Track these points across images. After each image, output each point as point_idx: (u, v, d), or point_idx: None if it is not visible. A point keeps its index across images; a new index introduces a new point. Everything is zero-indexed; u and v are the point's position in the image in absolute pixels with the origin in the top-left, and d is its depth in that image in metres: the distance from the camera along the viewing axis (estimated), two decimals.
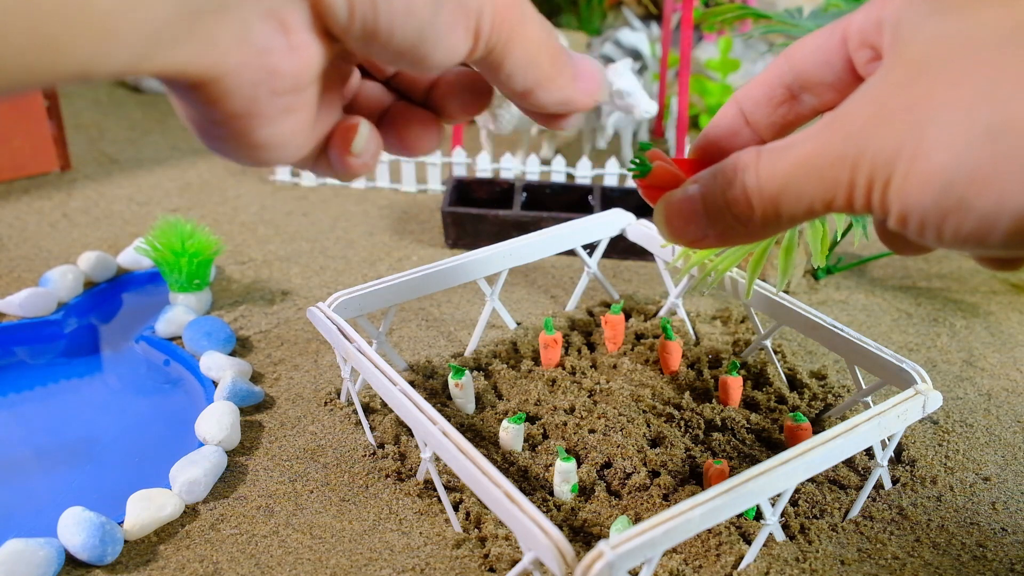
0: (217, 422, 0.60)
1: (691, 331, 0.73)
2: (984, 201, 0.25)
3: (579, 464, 0.59)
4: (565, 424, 0.62)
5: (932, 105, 0.26)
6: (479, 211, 0.85)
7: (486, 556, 0.53)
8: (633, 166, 0.36)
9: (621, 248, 0.85)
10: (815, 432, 0.61)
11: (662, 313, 0.75)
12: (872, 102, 0.28)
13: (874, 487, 0.58)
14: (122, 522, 0.54)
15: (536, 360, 0.70)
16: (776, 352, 0.70)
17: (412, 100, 0.35)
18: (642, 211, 0.88)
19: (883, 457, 0.56)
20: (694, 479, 0.58)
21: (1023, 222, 0.25)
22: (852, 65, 0.33)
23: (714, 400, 0.65)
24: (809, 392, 0.66)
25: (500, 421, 0.63)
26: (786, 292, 0.78)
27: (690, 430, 0.62)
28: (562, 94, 0.32)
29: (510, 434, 0.60)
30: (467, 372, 0.63)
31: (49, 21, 0.22)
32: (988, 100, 0.25)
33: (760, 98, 0.36)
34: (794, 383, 0.68)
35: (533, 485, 0.58)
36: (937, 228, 0.26)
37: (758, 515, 0.55)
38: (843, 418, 0.63)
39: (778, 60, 0.36)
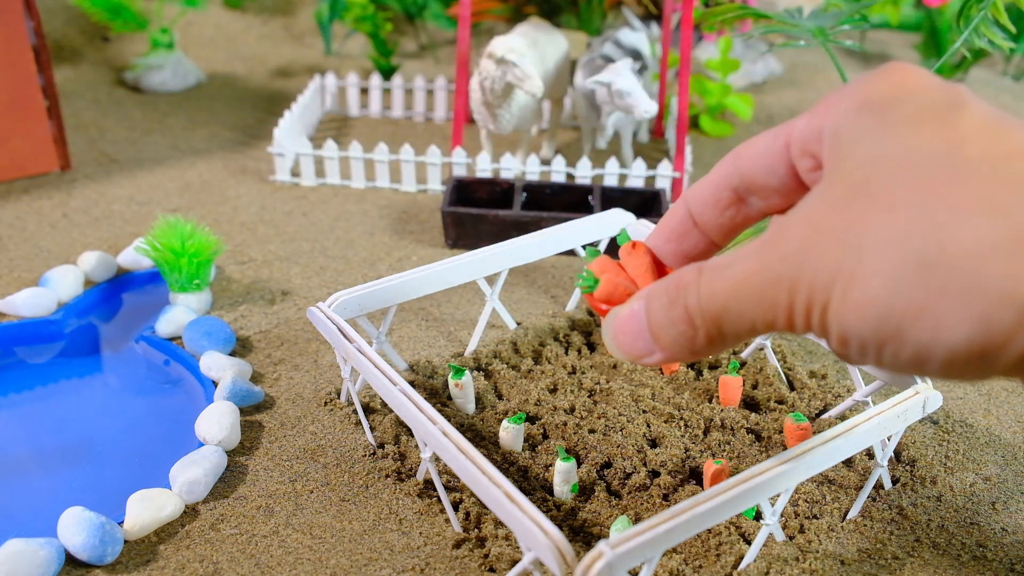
0: (217, 422, 0.60)
1: None
2: (920, 333, 0.25)
3: (579, 464, 0.59)
4: (565, 424, 0.62)
5: (867, 229, 0.26)
6: (479, 211, 0.85)
7: (486, 556, 0.53)
8: (581, 280, 0.36)
9: None
10: (815, 432, 0.61)
11: None
12: (808, 223, 0.27)
13: (874, 487, 0.58)
14: (122, 522, 0.54)
15: (536, 360, 0.70)
16: (776, 352, 0.70)
17: None
18: (642, 211, 0.88)
19: (883, 457, 0.56)
20: (694, 479, 0.58)
21: (960, 356, 0.25)
22: (795, 172, 0.33)
23: (714, 400, 0.65)
24: (809, 392, 0.66)
25: (500, 421, 0.63)
26: None
27: (690, 430, 0.62)
28: None
29: (510, 434, 0.60)
30: (467, 372, 0.63)
31: None
32: (921, 226, 0.24)
33: (708, 200, 0.36)
34: (794, 383, 0.68)
35: (533, 485, 0.58)
36: (877, 353, 0.27)
37: (758, 515, 0.55)
38: (843, 418, 0.63)
39: (726, 161, 0.35)
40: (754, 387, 0.67)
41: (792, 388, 0.68)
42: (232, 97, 1.27)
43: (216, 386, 0.66)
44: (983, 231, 0.23)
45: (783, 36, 1.26)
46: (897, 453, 0.62)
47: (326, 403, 0.65)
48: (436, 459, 0.57)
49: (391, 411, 0.63)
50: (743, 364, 0.69)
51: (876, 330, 0.26)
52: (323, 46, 1.47)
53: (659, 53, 1.15)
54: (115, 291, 0.81)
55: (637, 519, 0.55)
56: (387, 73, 1.29)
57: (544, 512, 0.55)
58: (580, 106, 1.00)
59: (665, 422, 0.63)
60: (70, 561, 0.52)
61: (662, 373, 0.68)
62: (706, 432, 0.62)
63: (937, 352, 0.25)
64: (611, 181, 0.96)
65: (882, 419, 0.51)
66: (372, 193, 0.99)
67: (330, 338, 0.59)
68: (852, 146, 0.27)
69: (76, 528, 0.52)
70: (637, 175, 0.95)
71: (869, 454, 0.60)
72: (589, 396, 0.66)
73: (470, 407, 0.64)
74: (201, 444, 0.60)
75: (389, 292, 0.63)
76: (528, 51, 0.89)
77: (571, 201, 0.90)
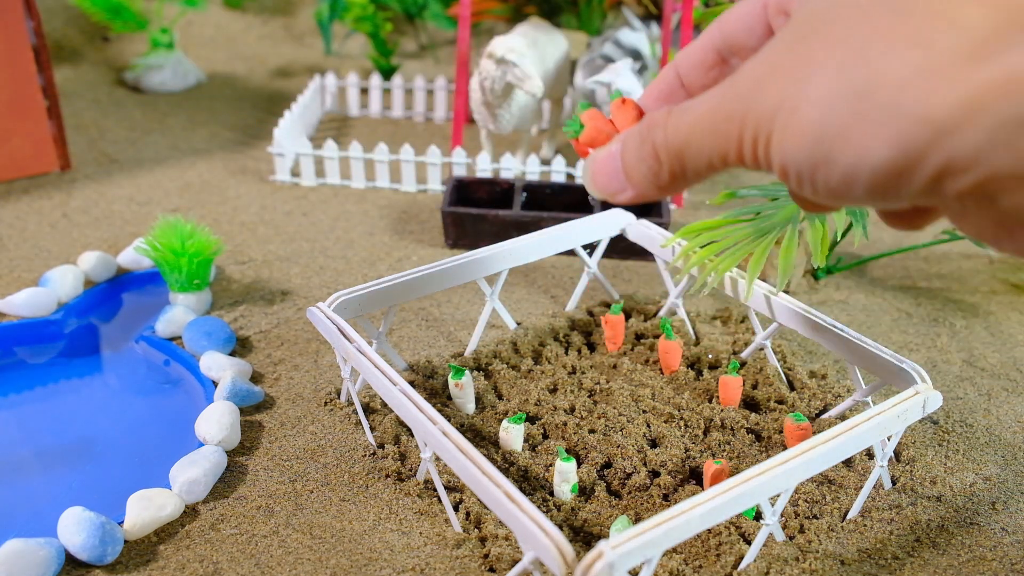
0: (217, 422, 0.60)
1: (691, 331, 0.73)
2: (846, 156, 0.27)
3: (579, 464, 0.59)
4: (565, 424, 0.62)
5: (812, 64, 0.28)
6: (479, 211, 0.85)
7: (486, 556, 0.53)
8: (568, 125, 0.39)
9: (621, 248, 0.85)
10: (815, 432, 0.61)
11: (662, 313, 0.75)
12: (764, 62, 0.30)
13: (874, 487, 0.58)
14: (122, 522, 0.54)
15: (536, 360, 0.70)
16: (776, 352, 0.70)
17: None
18: (642, 211, 0.88)
19: (883, 457, 0.56)
20: (694, 479, 0.58)
21: (881, 176, 0.27)
22: (771, 31, 0.35)
23: (714, 400, 0.65)
24: (809, 392, 0.66)
25: (500, 421, 0.63)
26: (786, 292, 0.78)
27: (690, 430, 0.62)
28: None
29: (510, 434, 0.60)
30: (467, 372, 0.63)
31: None
32: (858, 61, 0.27)
33: (695, 62, 0.38)
34: (794, 383, 0.68)
35: (533, 485, 0.58)
36: (811, 181, 0.29)
37: (758, 515, 0.55)
38: (843, 418, 0.63)
39: (712, 26, 0.38)
40: (754, 387, 0.67)
41: (792, 388, 0.68)
42: (232, 97, 1.27)
43: (216, 386, 0.66)
44: (907, 61, 0.26)
45: None
46: (897, 453, 0.62)
47: (326, 403, 0.65)
48: (436, 459, 0.57)
49: (391, 411, 0.63)
50: (743, 364, 0.69)
51: (810, 155, 0.28)
52: (323, 46, 1.47)
53: (659, 53, 1.15)
54: (115, 291, 0.81)
55: (637, 519, 0.55)
56: (387, 73, 1.29)
57: (544, 512, 0.55)
58: None
59: (665, 422, 0.63)
60: (70, 561, 0.52)
61: (662, 373, 0.68)
62: (706, 432, 0.62)
63: (862, 173, 0.27)
64: None
65: (882, 419, 0.51)
66: (372, 193, 0.99)
67: (330, 338, 0.59)
68: None
69: (76, 528, 0.52)
70: None
71: (869, 454, 0.60)
72: (589, 396, 0.66)
73: (470, 407, 0.64)
74: (201, 444, 0.60)
75: (389, 292, 0.63)
76: (528, 51, 0.89)
77: (571, 201, 0.90)
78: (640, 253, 0.85)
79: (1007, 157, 0.24)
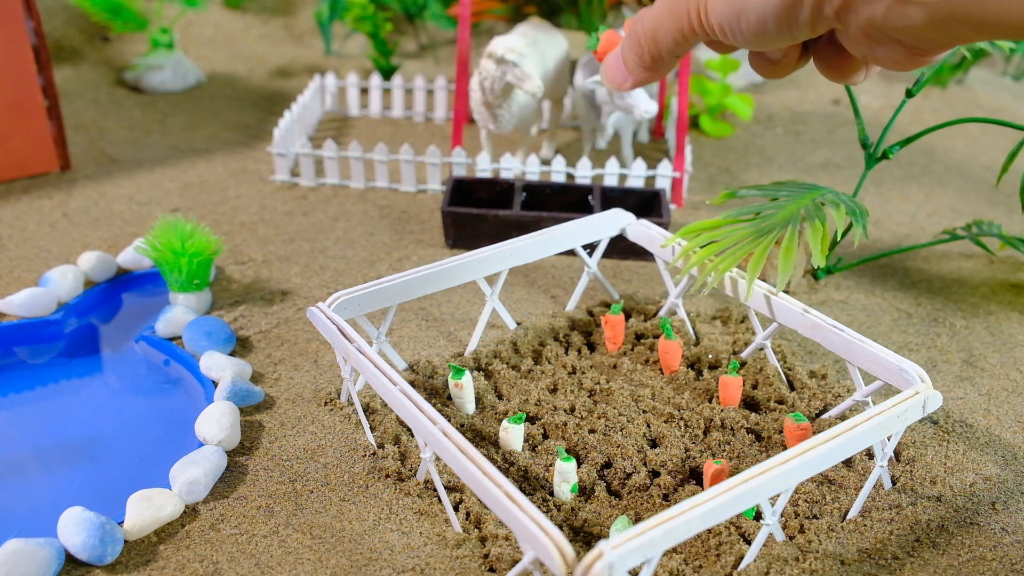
0: (217, 422, 0.60)
1: (691, 331, 0.73)
2: (755, 3, 0.36)
3: (579, 464, 0.59)
4: (565, 424, 0.62)
5: None
6: (479, 211, 0.85)
7: (486, 556, 0.53)
8: (589, 42, 0.51)
9: (621, 248, 0.85)
10: (815, 432, 0.61)
11: (662, 313, 0.75)
12: None
13: (874, 487, 0.58)
14: (122, 522, 0.54)
15: (536, 360, 0.70)
16: (776, 352, 0.70)
17: None
18: (642, 211, 0.88)
19: (883, 457, 0.56)
20: (694, 479, 0.58)
21: (781, 10, 0.35)
22: None
23: (714, 400, 0.65)
24: (809, 392, 0.66)
25: (500, 421, 0.63)
26: (786, 292, 0.78)
27: (690, 430, 0.62)
28: None
29: (510, 434, 0.60)
30: (467, 372, 0.63)
31: None
32: None
33: None
34: (794, 383, 0.68)
35: (533, 485, 0.58)
36: (733, 30, 0.37)
37: (758, 515, 0.55)
38: (843, 418, 0.63)
39: None
40: (754, 387, 0.67)
41: (792, 388, 0.68)
42: (232, 97, 1.27)
43: (216, 386, 0.66)
44: None
45: None
46: (897, 453, 0.62)
47: (326, 403, 0.65)
48: (436, 459, 0.57)
49: (391, 411, 0.63)
50: (743, 364, 0.69)
51: (731, 11, 0.37)
52: (323, 46, 1.47)
53: None
54: (115, 291, 0.81)
55: (637, 519, 0.55)
56: (387, 73, 1.29)
57: (544, 512, 0.55)
58: (580, 106, 1.00)
59: (665, 422, 0.63)
60: (70, 561, 0.52)
61: (662, 373, 0.68)
62: (706, 432, 0.62)
63: (768, 11, 0.35)
64: (611, 181, 0.96)
65: (882, 419, 0.51)
66: (372, 193, 0.99)
67: (330, 338, 0.59)
68: None
69: (76, 528, 0.52)
70: (637, 175, 0.95)
71: (869, 454, 0.60)
72: (589, 396, 0.66)
73: (470, 407, 0.64)
74: (201, 444, 0.60)
75: (389, 292, 0.63)
76: (528, 51, 0.89)
77: (571, 201, 0.90)
78: (640, 253, 0.85)
79: None
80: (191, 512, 0.56)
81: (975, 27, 0.32)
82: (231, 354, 0.71)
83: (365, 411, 0.64)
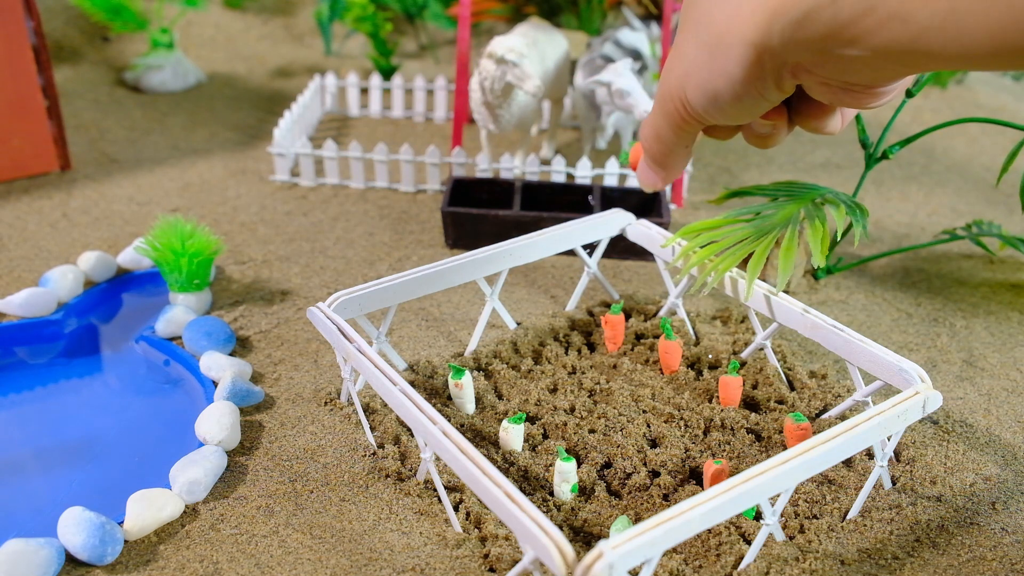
0: (217, 422, 0.60)
1: (691, 331, 0.73)
2: (717, 86, 0.41)
3: (579, 464, 0.59)
4: (565, 424, 0.62)
5: (685, 42, 0.42)
6: (479, 211, 0.85)
7: (486, 556, 0.53)
8: (621, 157, 0.58)
9: (621, 248, 0.85)
10: (815, 432, 0.61)
11: (662, 313, 0.75)
12: (672, 55, 0.44)
13: (874, 487, 0.58)
14: (122, 522, 0.54)
15: (536, 360, 0.70)
16: (776, 352, 0.70)
17: None
18: (642, 211, 0.88)
19: (883, 457, 0.56)
20: (694, 479, 0.58)
21: (748, 78, 0.39)
22: None
23: (714, 400, 0.65)
24: (809, 392, 0.66)
25: (500, 421, 0.63)
26: (786, 292, 0.78)
27: (690, 430, 0.62)
28: None
29: (510, 434, 0.60)
30: (467, 372, 0.63)
31: None
32: (704, 23, 0.40)
33: None
34: (794, 383, 0.68)
35: (533, 485, 0.58)
36: (714, 109, 0.42)
37: (758, 515, 0.55)
38: (843, 418, 0.63)
39: None
40: (754, 387, 0.67)
41: (792, 388, 0.68)
42: (232, 97, 1.27)
43: (216, 386, 0.66)
44: (730, 12, 0.39)
45: None
46: (897, 453, 0.62)
47: (326, 403, 0.65)
48: (436, 459, 0.57)
49: (391, 411, 0.63)
50: (743, 364, 0.69)
51: (704, 93, 0.42)
52: (323, 46, 1.47)
53: (659, 53, 1.15)
54: (115, 291, 0.81)
55: (637, 519, 0.55)
56: (387, 73, 1.29)
57: (544, 512, 0.55)
58: (580, 106, 1.00)
59: (665, 422, 0.63)
60: (70, 561, 0.52)
61: (662, 373, 0.68)
62: (706, 432, 0.62)
63: (738, 90, 0.40)
64: (611, 181, 0.96)
65: (882, 419, 0.51)
66: (372, 193, 0.99)
67: (330, 338, 0.59)
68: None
69: (76, 528, 0.52)
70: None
71: (869, 454, 0.60)
72: (589, 396, 0.66)
73: (470, 407, 0.64)
74: (201, 444, 0.60)
75: (389, 292, 0.63)
76: (528, 51, 0.89)
77: (571, 201, 0.90)
78: (640, 253, 0.85)
79: (787, 38, 0.37)
80: (191, 512, 0.56)
81: (911, 64, 0.35)
82: (231, 354, 0.71)
83: (365, 411, 0.64)
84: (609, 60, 0.99)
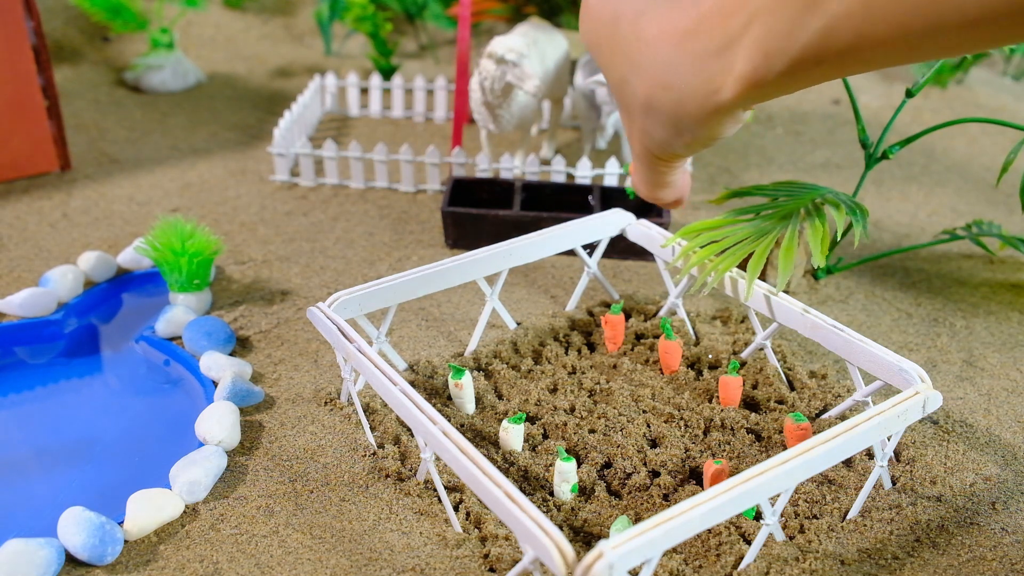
0: (217, 422, 0.60)
1: (691, 331, 0.73)
2: (677, 99, 0.43)
3: (579, 464, 0.59)
4: (565, 424, 0.62)
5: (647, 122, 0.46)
6: (479, 211, 0.85)
7: (486, 556, 0.53)
8: (628, 192, 0.65)
9: (621, 248, 0.85)
10: (815, 432, 0.61)
11: (662, 313, 0.75)
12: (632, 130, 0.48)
13: (874, 487, 0.58)
14: (122, 522, 0.54)
15: (536, 360, 0.70)
16: (776, 352, 0.70)
17: None
18: (642, 211, 0.88)
19: (883, 457, 0.56)
20: (694, 479, 0.58)
21: (687, 110, 0.42)
22: None
23: (714, 400, 0.65)
24: (809, 392, 0.66)
25: (500, 421, 0.63)
26: (786, 292, 0.78)
27: (690, 430, 0.62)
28: None
29: (510, 434, 0.60)
30: (467, 372, 0.63)
31: None
32: (654, 71, 0.43)
33: None
34: (794, 383, 0.68)
35: (533, 485, 0.58)
36: (680, 128, 0.44)
37: (758, 515, 0.55)
38: (843, 418, 0.63)
39: None
40: (754, 387, 0.67)
41: (792, 388, 0.68)
42: (232, 97, 1.27)
43: (216, 386, 0.66)
44: (662, 26, 0.42)
45: None
46: (897, 453, 0.62)
47: (326, 403, 0.65)
48: (436, 459, 0.57)
49: (391, 411, 0.63)
50: (743, 364, 0.69)
51: (671, 117, 0.44)
52: (323, 46, 1.47)
53: None
54: (115, 291, 0.81)
55: (637, 519, 0.55)
56: (387, 73, 1.29)
57: (544, 512, 0.55)
58: (580, 106, 1.00)
59: (665, 422, 0.63)
60: (70, 561, 0.52)
61: (662, 373, 0.68)
62: (706, 432, 0.62)
63: (689, 114, 0.42)
64: (611, 181, 0.96)
65: (882, 419, 0.51)
66: (372, 193, 0.99)
67: (330, 338, 0.59)
68: None
69: (76, 528, 0.52)
70: None
71: (869, 454, 0.60)
72: (589, 396, 0.66)
73: (470, 407, 0.64)
74: (201, 444, 0.60)
75: (389, 292, 0.63)
76: (528, 51, 0.89)
77: (571, 201, 0.90)
78: (640, 253, 0.85)
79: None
80: (191, 512, 0.56)
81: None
82: (231, 354, 0.71)
83: (365, 411, 0.64)
84: None
